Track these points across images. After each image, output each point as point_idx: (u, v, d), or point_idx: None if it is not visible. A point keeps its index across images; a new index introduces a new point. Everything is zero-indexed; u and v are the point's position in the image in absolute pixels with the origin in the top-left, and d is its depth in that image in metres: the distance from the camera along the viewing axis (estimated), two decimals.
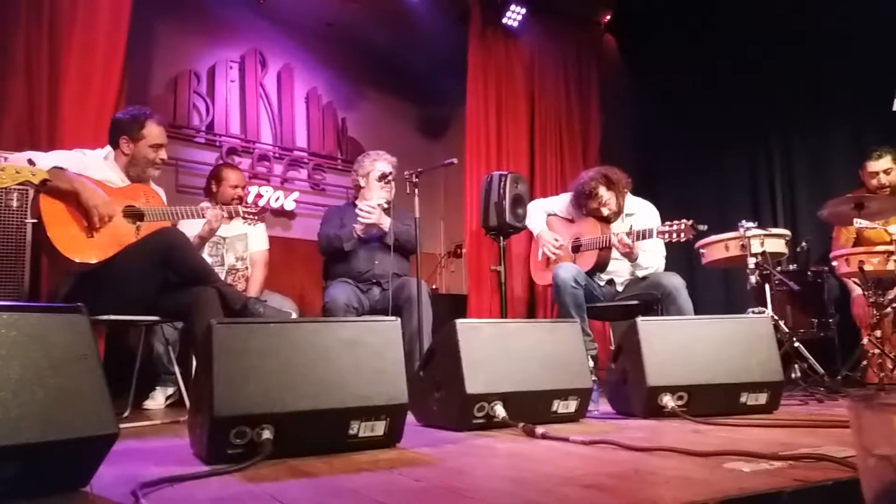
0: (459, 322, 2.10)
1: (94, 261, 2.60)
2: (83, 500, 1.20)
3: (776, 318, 3.45)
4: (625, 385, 2.35)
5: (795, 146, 5.21)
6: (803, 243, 4.25)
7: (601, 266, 3.67)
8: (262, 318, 2.59)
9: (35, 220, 2.73)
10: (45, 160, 2.67)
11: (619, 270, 3.69)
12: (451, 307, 4.93)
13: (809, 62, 4.95)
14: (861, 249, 3.64)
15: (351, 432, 1.66)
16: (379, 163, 3.80)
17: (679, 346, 2.28)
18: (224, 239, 3.77)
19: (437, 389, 2.15)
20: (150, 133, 2.99)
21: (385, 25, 5.74)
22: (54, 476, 1.20)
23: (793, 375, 3.24)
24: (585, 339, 2.58)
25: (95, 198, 2.64)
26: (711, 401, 2.24)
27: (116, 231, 2.71)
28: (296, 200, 5.78)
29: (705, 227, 3.32)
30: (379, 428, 1.70)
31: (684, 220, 3.30)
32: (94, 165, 2.86)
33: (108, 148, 3.00)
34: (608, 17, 6.35)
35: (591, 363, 2.70)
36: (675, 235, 3.31)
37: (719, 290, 5.33)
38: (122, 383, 3.03)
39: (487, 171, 5.07)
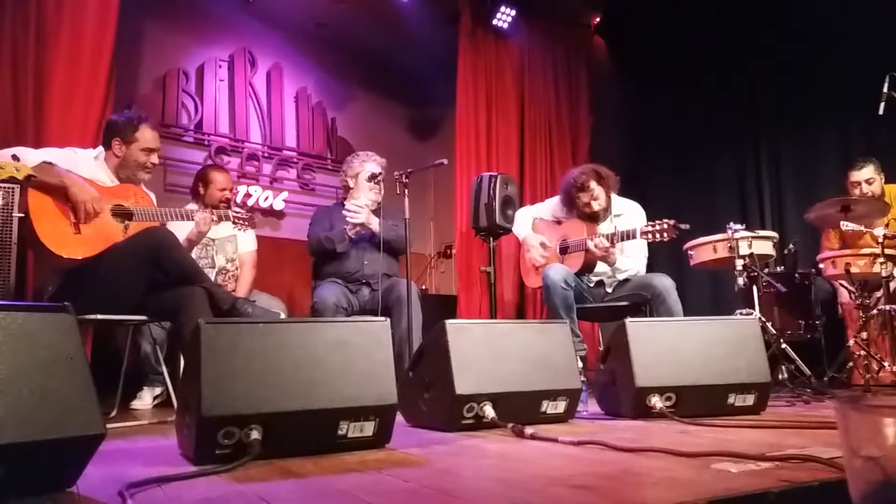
0: (449, 322, 2.10)
1: (79, 256, 2.59)
2: (70, 501, 1.19)
3: (763, 319, 3.47)
4: (613, 386, 2.36)
5: (783, 149, 5.25)
6: (791, 246, 4.28)
7: (589, 267, 3.68)
8: (250, 318, 2.58)
9: (22, 215, 2.71)
10: (35, 156, 2.66)
11: (608, 271, 3.70)
12: (441, 308, 4.93)
13: (798, 65, 4.99)
14: (847, 252, 3.68)
15: (340, 433, 1.66)
16: (368, 163, 3.80)
17: (667, 347, 2.29)
18: (213, 241, 3.75)
19: (427, 390, 2.15)
20: (143, 137, 2.98)
21: (375, 26, 5.74)
22: (40, 476, 1.19)
23: (780, 377, 3.26)
24: (574, 339, 2.58)
25: (84, 193, 2.63)
26: (699, 402, 2.25)
27: (104, 229, 2.69)
28: (285, 200, 5.76)
29: (687, 227, 3.33)
30: (368, 428, 1.69)
31: (666, 220, 3.31)
32: (84, 164, 2.85)
33: (100, 148, 3.00)
34: (597, 20, 6.38)
35: (580, 364, 2.70)
36: (658, 235, 3.32)
37: (707, 292, 5.36)
38: (110, 383, 3.01)
39: (477, 172, 5.08)
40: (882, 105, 3.40)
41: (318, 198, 5.91)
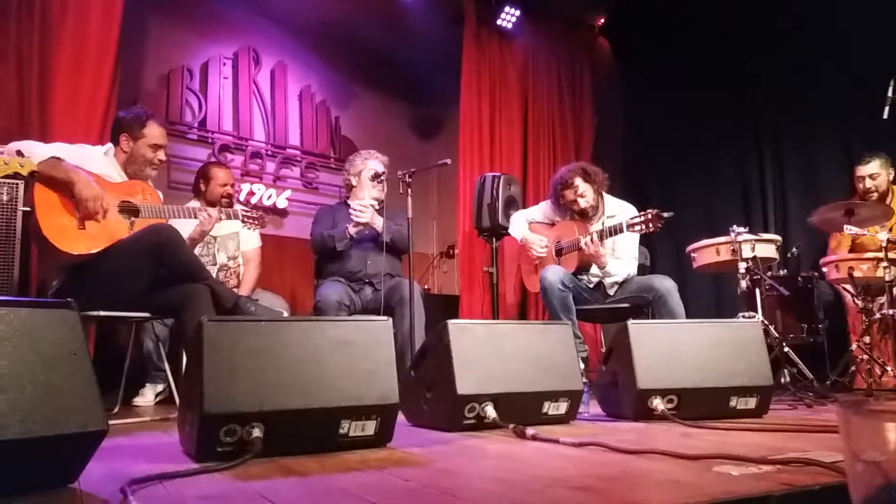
0: (451, 323, 2.10)
1: (83, 252, 2.60)
2: (72, 497, 1.19)
3: (766, 322, 3.46)
4: (615, 387, 2.36)
5: (787, 152, 5.24)
6: (794, 249, 4.27)
7: (585, 266, 3.68)
8: (253, 317, 2.58)
9: (27, 209, 2.72)
10: (45, 150, 2.67)
11: (611, 270, 3.70)
12: (444, 308, 4.93)
13: (802, 68, 4.97)
14: (851, 256, 3.67)
15: (341, 431, 1.66)
16: (371, 161, 3.80)
17: (669, 349, 2.29)
18: (215, 238, 3.75)
19: (429, 390, 2.15)
20: (151, 133, 3.01)
21: (380, 25, 5.74)
22: (43, 472, 1.19)
23: (782, 380, 3.25)
24: (576, 341, 2.58)
25: (88, 191, 2.63)
26: (701, 404, 2.25)
27: (109, 225, 2.70)
28: (288, 199, 5.77)
29: (672, 214, 3.32)
30: (369, 427, 1.69)
31: (650, 210, 3.31)
32: (93, 160, 2.87)
33: (109, 144, 3.03)
34: (602, 21, 6.38)
35: (582, 365, 2.70)
36: (644, 227, 3.31)
37: (710, 295, 5.35)
38: (112, 379, 3.02)
39: (480, 172, 5.08)
40: (887, 109, 3.39)
41: (321, 196, 5.91)
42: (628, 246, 3.66)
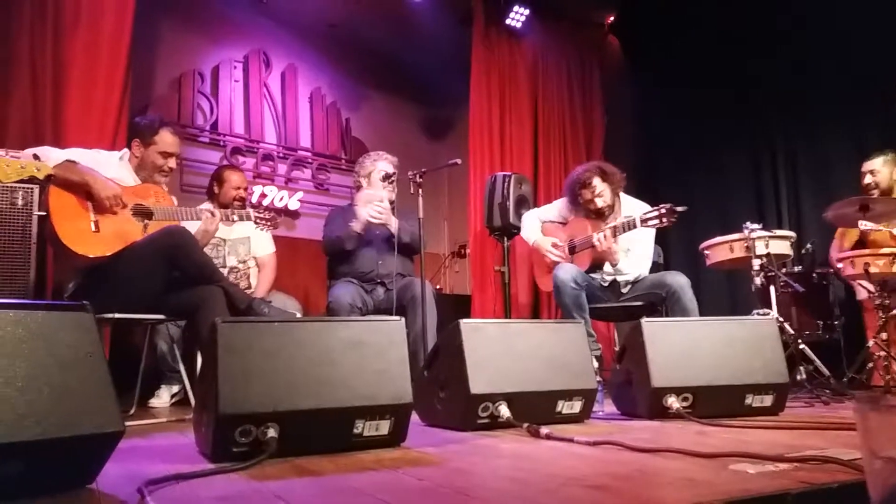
0: (463, 322, 2.10)
1: (98, 255, 2.62)
2: (90, 497, 1.20)
3: (781, 319, 3.44)
4: (629, 386, 2.35)
5: (800, 148, 5.20)
6: (808, 245, 4.24)
7: (598, 264, 3.66)
8: (266, 318, 2.59)
9: (43, 213, 2.75)
10: (60, 154, 2.70)
11: (623, 269, 3.68)
12: (455, 307, 4.93)
13: (814, 63, 4.94)
14: (867, 251, 3.63)
15: (355, 431, 1.66)
16: (380, 162, 3.80)
17: (684, 347, 2.28)
18: (225, 241, 3.77)
19: (442, 389, 2.15)
20: (162, 140, 3.03)
21: (389, 26, 5.75)
22: (61, 473, 1.20)
23: (798, 377, 3.23)
24: (589, 339, 2.57)
25: (106, 189, 2.68)
26: (716, 402, 2.24)
27: (123, 227, 2.73)
28: (300, 200, 5.79)
29: (685, 209, 3.29)
30: (383, 427, 1.70)
31: (664, 205, 3.28)
32: (109, 164, 2.91)
33: (126, 150, 3.07)
34: (612, 19, 6.35)
35: (596, 364, 2.69)
36: (658, 221, 3.29)
37: (724, 293, 5.32)
38: (128, 381, 3.03)
39: (491, 171, 5.08)
40: None
41: (332, 198, 5.93)
42: (643, 245, 3.63)
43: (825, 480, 1.13)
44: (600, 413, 2.45)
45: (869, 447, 0.77)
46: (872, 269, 3.43)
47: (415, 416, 1.97)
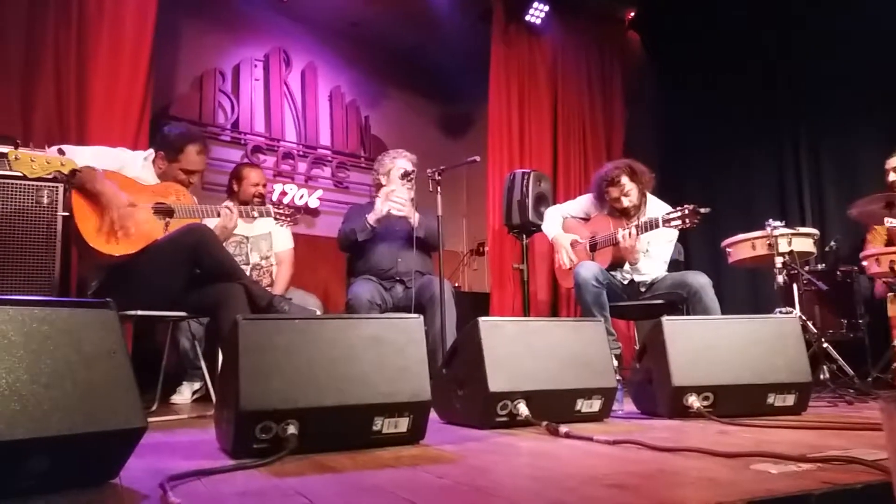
0: (482, 320, 2.10)
1: (121, 253, 2.65)
2: (113, 492, 1.22)
3: (804, 318, 3.39)
4: (650, 385, 2.33)
5: (824, 144, 5.13)
6: (832, 243, 4.18)
7: (618, 262, 3.63)
8: (287, 315, 2.61)
9: (67, 214, 2.79)
10: (84, 154, 2.73)
11: (642, 269, 3.65)
12: (474, 305, 4.93)
13: (839, 58, 4.87)
14: (892, 249, 3.57)
15: (374, 428, 1.67)
16: (399, 160, 3.81)
17: (705, 345, 2.26)
18: (247, 238, 3.80)
19: (461, 387, 2.15)
20: (187, 159, 3.02)
21: (408, 24, 5.76)
22: (85, 468, 1.22)
23: (821, 377, 3.19)
24: (609, 338, 2.56)
25: (112, 207, 2.66)
26: (738, 401, 2.21)
27: (144, 226, 2.75)
28: (320, 198, 5.82)
29: (708, 210, 3.26)
30: (402, 424, 1.70)
31: (687, 206, 3.25)
32: (132, 164, 2.93)
33: (150, 151, 3.07)
34: (632, 14, 6.29)
35: (615, 362, 2.68)
36: (681, 222, 3.25)
37: (746, 290, 5.26)
38: (150, 378, 3.07)
39: (510, 169, 5.06)
40: None
41: (352, 196, 5.96)
42: (662, 248, 3.60)
43: (849, 481, 1.11)
44: (620, 412, 2.44)
45: (894, 447, 0.75)
46: None
47: (433, 414, 1.97)
